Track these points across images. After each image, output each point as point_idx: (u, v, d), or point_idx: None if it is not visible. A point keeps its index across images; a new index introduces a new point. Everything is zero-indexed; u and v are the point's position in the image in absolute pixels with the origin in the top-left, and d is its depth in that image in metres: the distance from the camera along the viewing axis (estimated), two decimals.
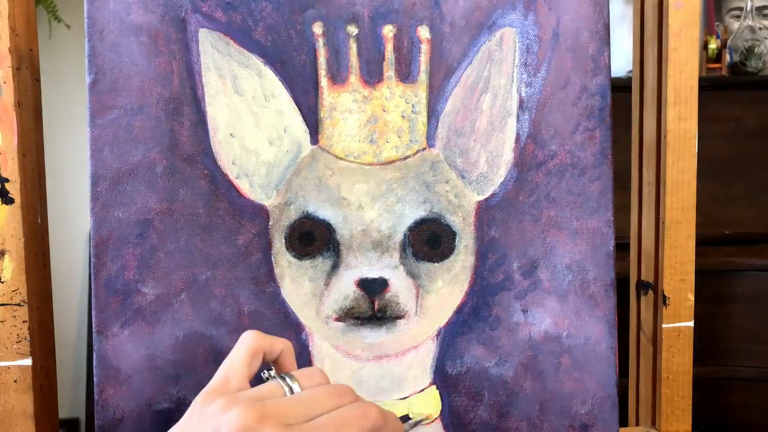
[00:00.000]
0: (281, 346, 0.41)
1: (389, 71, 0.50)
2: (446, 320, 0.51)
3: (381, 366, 0.51)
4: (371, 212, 0.50)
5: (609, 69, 0.52)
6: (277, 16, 0.49)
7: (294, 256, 0.50)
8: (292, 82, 0.50)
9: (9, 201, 0.50)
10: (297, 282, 0.50)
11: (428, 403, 0.51)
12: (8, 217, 0.50)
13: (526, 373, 0.52)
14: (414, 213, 0.51)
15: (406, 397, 0.51)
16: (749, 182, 1.56)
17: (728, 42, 1.70)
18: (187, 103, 0.49)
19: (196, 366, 0.49)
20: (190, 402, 0.49)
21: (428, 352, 0.51)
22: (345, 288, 0.50)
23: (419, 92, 0.50)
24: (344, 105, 0.50)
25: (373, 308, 0.50)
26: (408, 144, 0.51)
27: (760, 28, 1.69)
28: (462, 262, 0.51)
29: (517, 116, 0.51)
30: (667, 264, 0.57)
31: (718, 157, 1.55)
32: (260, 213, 0.50)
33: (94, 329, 0.49)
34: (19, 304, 0.51)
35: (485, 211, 0.51)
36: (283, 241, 0.50)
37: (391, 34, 0.50)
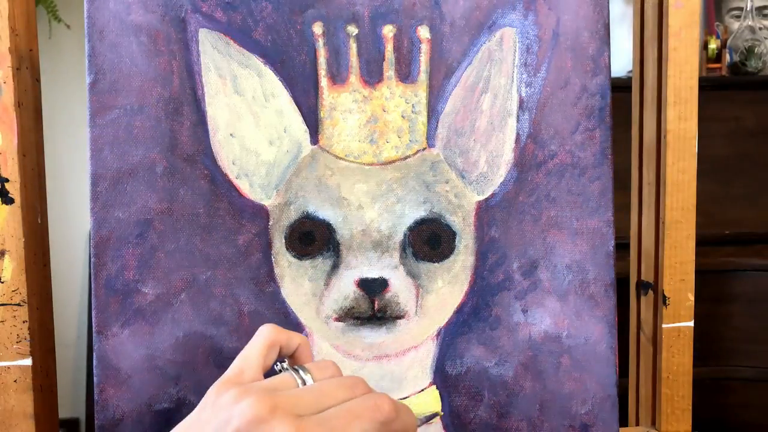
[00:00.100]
0: (298, 340, 0.41)
1: (389, 71, 0.50)
2: (446, 320, 0.51)
3: (381, 366, 0.51)
4: (371, 212, 0.50)
5: (609, 69, 0.52)
6: (277, 16, 0.49)
7: (294, 256, 0.50)
8: (292, 82, 0.50)
9: (9, 201, 0.50)
10: (297, 282, 0.50)
11: (428, 403, 0.51)
12: (8, 217, 0.50)
13: (526, 373, 0.52)
14: (414, 213, 0.51)
15: (406, 397, 0.51)
16: (749, 182, 1.56)
17: (728, 42, 1.70)
18: (187, 103, 0.49)
19: (196, 366, 0.49)
20: (190, 402, 0.49)
21: (428, 352, 0.51)
22: (345, 288, 0.50)
23: (419, 92, 0.51)
24: (344, 105, 0.50)
25: (373, 308, 0.50)
26: (408, 144, 0.51)
27: (760, 28, 1.69)
28: (462, 262, 0.51)
29: (517, 116, 0.51)
30: (667, 264, 0.57)
31: (718, 157, 1.55)
32: (260, 213, 0.50)
33: (94, 329, 0.49)
34: (19, 304, 0.51)
35: (485, 211, 0.51)
36: (283, 241, 0.50)
37: (391, 34, 0.50)
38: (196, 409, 0.37)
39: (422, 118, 0.51)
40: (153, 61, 0.49)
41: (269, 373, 0.39)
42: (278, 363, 0.40)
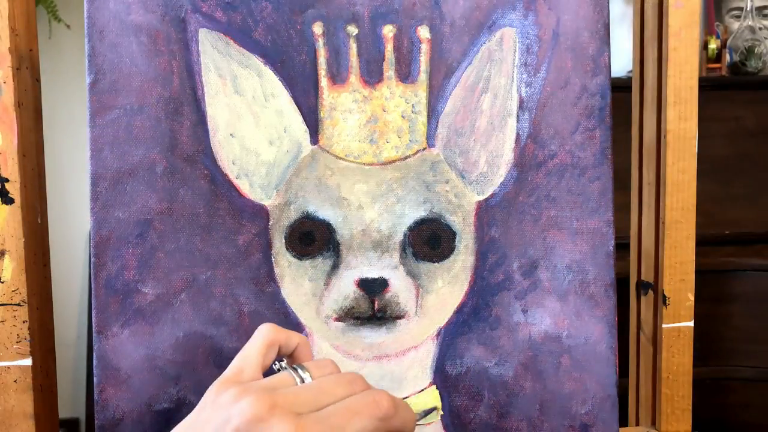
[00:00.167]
0: (297, 339, 0.41)
1: (389, 71, 0.50)
2: (446, 320, 0.51)
3: (381, 366, 0.51)
4: (371, 212, 0.50)
5: (609, 69, 0.52)
6: (277, 16, 0.49)
7: (294, 256, 0.50)
8: (292, 82, 0.50)
9: (9, 201, 0.50)
10: (297, 282, 0.50)
11: (428, 404, 0.51)
12: (8, 217, 0.50)
13: (526, 373, 0.52)
14: (414, 213, 0.51)
15: (406, 397, 0.51)
16: (749, 182, 1.56)
17: (728, 42, 1.70)
18: (187, 103, 0.49)
19: (196, 366, 0.49)
20: (190, 402, 0.49)
21: (428, 352, 0.51)
22: (345, 288, 0.50)
23: (419, 92, 0.51)
24: (344, 105, 0.50)
25: (373, 308, 0.50)
26: (408, 144, 0.51)
27: (760, 28, 1.69)
28: (462, 262, 0.51)
29: (517, 116, 0.51)
30: (667, 264, 0.57)
31: (718, 157, 1.55)
32: (260, 213, 0.50)
33: (94, 329, 0.49)
34: (19, 304, 0.51)
35: (485, 211, 0.51)
36: (283, 241, 0.50)
37: (391, 34, 0.50)
38: (195, 408, 0.37)
39: (422, 118, 0.51)
40: (153, 61, 0.49)
41: (268, 372, 0.39)
42: (277, 362, 0.40)
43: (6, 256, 0.50)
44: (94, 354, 0.49)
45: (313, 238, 0.50)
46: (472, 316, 0.51)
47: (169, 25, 0.49)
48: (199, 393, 0.48)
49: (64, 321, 1.82)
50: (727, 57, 1.70)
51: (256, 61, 0.49)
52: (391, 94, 0.50)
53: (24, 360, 0.51)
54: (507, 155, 0.51)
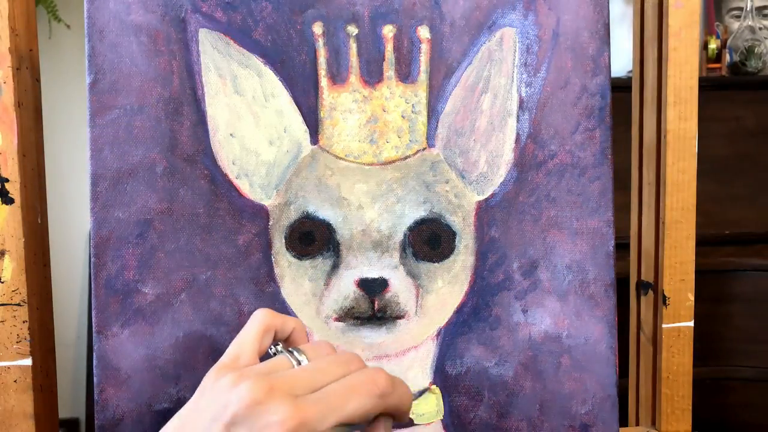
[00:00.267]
0: (293, 324, 0.41)
1: (389, 71, 0.50)
2: (446, 320, 0.51)
3: (381, 366, 0.51)
4: (371, 212, 0.50)
5: (609, 69, 0.52)
6: (277, 16, 0.49)
7: (294, 256, 0.50)
8: (292, 82, 0.50)
9: (9, 201, 0.50)
10: (297, 282, 0.50)
11: (428, 404, 0.51)
12: (8, 217, 0.50)
13: (526, 373, 0.52)
14: (414, 213, 0.51)
15: None
16: (749, 182, 1.56)
17: (728, 42, 1.70)
18: (187, 103, 0.49)
19: (196, 366, 0.49)
20: None
21: (428, 352, 0.51)
22: (345, 288, 0.50)
23: (419, 92, 0.51)
24: (344, 105, 0.50)
25: (373, 308, 0.50)
26: (408, 144, 0.51)
27: (760, 28, 1.69)
28: (462, 262, 0.51)
29: (517, 116, 0.51)
30: (667, 264, 0.57)
31: (718, 157, 1.55)
32: (260, 213, 0.50)
33: (94, 329, 0.49)
34: (19, 304, 0.51)
35: (485, 211, 0.51)
36: (283, 241, 0.50)
37: (391, 34, 0.50)
38: (193, 396, 0.37)
39: (422, 118, 0.51)
40: (153, 61, 0.49)
41: (265, 357, 0.39)
42: (272, 347, 0.40)
43: (6, 256, 0.50)
44: (94, 354, 0.49)
45: (313, 238, 0.50)
46: (472, 316, 0.51)
47: (169, 25, 0.49)
48: None
49: (64, 321, 1.82)
50: (727, 57, 1.70)
51: (256, 61, 0.49)
52: (391, 94, 0.50)
53: (24, 360, 0.51)
54: (507, 155, 0.51)
